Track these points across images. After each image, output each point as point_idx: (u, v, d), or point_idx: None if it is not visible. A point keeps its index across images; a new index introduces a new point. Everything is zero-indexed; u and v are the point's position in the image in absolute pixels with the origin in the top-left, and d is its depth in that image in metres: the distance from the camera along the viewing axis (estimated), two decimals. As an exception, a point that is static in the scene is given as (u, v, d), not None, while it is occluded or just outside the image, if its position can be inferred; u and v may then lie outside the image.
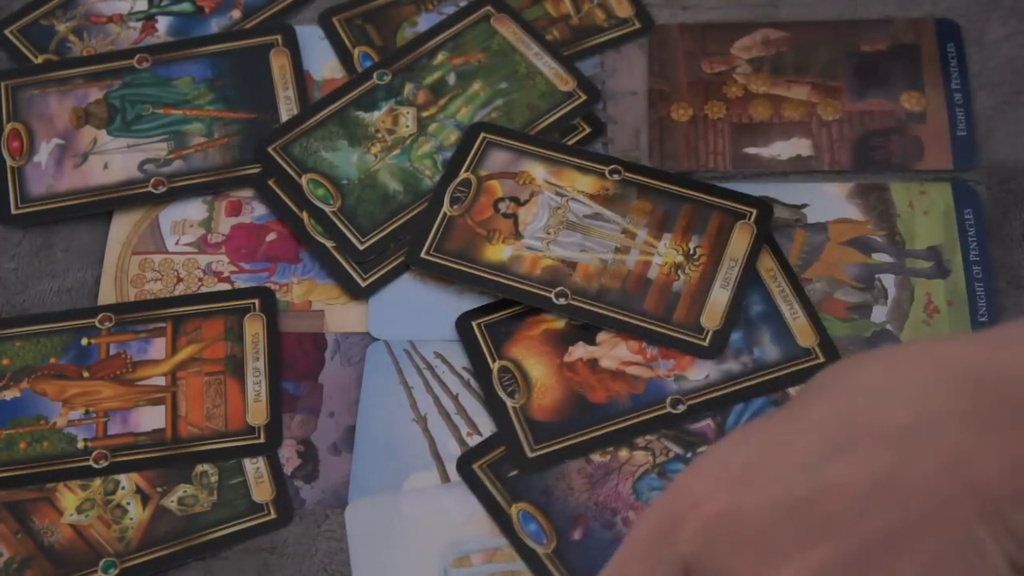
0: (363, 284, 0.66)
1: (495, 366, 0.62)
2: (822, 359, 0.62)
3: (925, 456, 0.32)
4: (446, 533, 0.46)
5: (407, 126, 0.70)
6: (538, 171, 0.67)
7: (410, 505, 0.47)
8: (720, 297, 0.63)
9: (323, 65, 0.73)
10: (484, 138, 0.68)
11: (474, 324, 0.63)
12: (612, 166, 0.67)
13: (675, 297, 0.63)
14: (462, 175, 0.67)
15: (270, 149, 0.69)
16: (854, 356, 0.38)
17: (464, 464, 0.58)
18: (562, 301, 0.63)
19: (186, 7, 0.76)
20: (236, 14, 0.75)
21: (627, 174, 0.67)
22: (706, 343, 0.62)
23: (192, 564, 0.59)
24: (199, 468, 0.61)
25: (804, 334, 0.63)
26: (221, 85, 0.72)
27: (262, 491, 0.60)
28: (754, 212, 0.65)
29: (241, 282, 0.66)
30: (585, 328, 0.63)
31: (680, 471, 0.43)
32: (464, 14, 0.73)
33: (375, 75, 0.71)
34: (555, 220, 0.66)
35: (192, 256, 0.67)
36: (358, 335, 0.64)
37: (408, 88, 0.71)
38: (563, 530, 0.56)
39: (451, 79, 0.71)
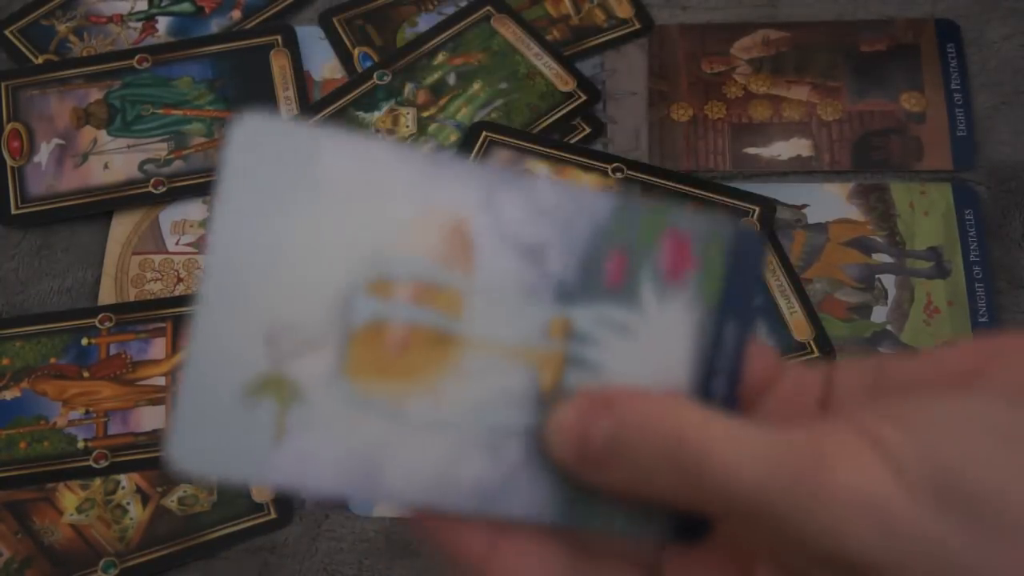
0: (364, 284, 0.65)
1: None
2: (817, 354, 0.62)
3: None
4: (375, 230, 0.28)
5: (407, 126, 0.70)
6: (541, 169, 0.67)
7: (338, 161, 0.27)
8: (723, 294, 0.63)
9: (323, 65, 0.73)
10: (486, 137, 0.68)
11: None
12: (614, 164, 0.67)
13: (677, 296, 0.63)
14: (464, 174, 0.67)
15: (270, 149, 0.69)
16: None
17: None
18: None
19: (186, 7, 0.75)
20: (236, 14, 0.75)
21: (629, 172, 0.67)
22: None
23: (192, 564, 0.59)
24: (199, 468, 0.61)
25: (800, 329, 0.63)
26: (221, 85, 0.72)
27: (262, 491, 0.60)
28: (757, 210, 0.65)
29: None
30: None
31: None
32: (464, 14, 0.73)
33: (375, 75, 0.71)
34: (558, 218, 0.66)
35: (192, 256, 0.67)
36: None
37: (408, 88, 0.71)
38: None
39: (451, 79, 0.71)
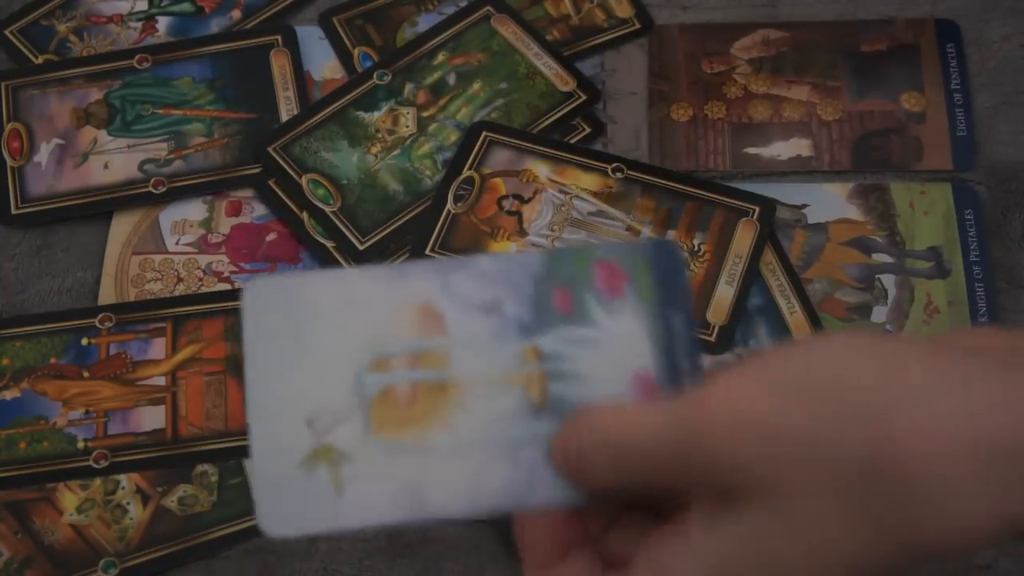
0: (364, 284, 0.65)
1: None
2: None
3: None
4: (363, 328, 0.37)
5: (407, 126, 0.70)
6: (541, 169, 0.67)
7: (321, 291, 0.38)
8: (725, 293, 0.63)
9: (323, 65, 0.73)
10: (486, 136, 0.68)
11: None
12: (614, 164, 0.67)
13: (678, 295, 0.64)
14: (465, 173, 0.67)
15: (270, 149, 0.69)
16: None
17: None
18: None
19: (186, 7, 0.75)
20: (236, 14, 0.75)
21: (630, 172, 0.67)
22: (712, 338, 0.62)
23: (192, 564, 0.59)
24: (199, 468, 0.61)
25: (800, 329, 0.63)
26: (221, 85, 0.72)
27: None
28: (757, 209, 0.65)
29: (241, 282, 0.66)
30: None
31: None
32: (464, 14, 0.73)
33: (375, 75, 0.71)
34: (559, 217, 0.66)
35: (192, 256, 0.67)
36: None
37: (408, 88, 0.71)
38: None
39: (451, 79, 0.71)
